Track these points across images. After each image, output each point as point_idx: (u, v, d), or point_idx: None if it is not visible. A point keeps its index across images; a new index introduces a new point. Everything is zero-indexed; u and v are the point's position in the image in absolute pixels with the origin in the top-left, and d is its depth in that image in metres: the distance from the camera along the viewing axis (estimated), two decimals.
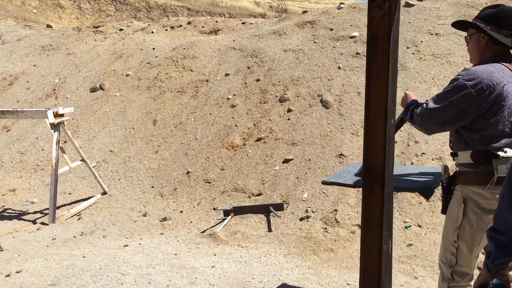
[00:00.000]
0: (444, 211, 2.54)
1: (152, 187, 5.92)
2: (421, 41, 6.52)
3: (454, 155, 2.47)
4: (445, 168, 2.59)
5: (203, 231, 4.87)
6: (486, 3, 6.87)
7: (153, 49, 8.79)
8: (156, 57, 8.50)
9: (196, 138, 6.45)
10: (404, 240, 4.30)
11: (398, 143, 5.27)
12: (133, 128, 7.06)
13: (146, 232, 5.03)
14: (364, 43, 6.71)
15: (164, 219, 5.24)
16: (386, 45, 1.97)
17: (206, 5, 32.64)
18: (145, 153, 6.54)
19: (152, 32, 9.67)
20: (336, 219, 4.67)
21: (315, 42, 7.30)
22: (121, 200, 5.79)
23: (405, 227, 4.45)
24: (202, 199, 5.48)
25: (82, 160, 5.86)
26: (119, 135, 7.01)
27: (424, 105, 2.37)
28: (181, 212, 5.34)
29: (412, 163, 5.02)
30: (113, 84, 8.21)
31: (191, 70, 7.83)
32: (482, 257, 3.55)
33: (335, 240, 4.42)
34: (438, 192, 4.35)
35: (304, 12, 8.57)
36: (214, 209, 5.07)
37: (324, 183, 3.06)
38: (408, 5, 7.31)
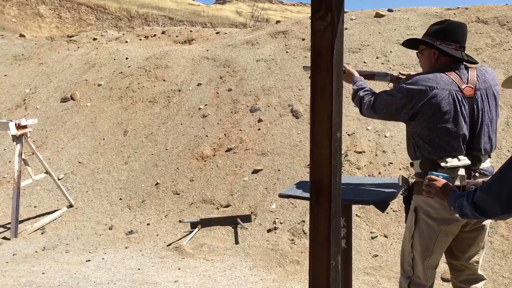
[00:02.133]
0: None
1: (120, 199, 5.81)
2: (391, 51, 6.57)
3: (411, 165, 2.49)
4: (402, 178, 2.59)
5: (169, 244, 4.79)
6: (454, 14, 6.97)
7: (126, 58, 8.70)
8: (129, 66, 8.41)
9: (167, 149, 6.37)
10: (370, 251, 4.28)
11: (366, 153, 5.28)
12: (103, 139, 6.94)
13: (111, 246, 4.92)
14: None
15: (130, 232, 5.14)
16: (330, 58, 1.94)
17: (188, 14, 32.63)
18: (115, 164, 6.43)
19: (126, 42, 9.59)
20: (303, 230, 4.63)
21: (287, 52, 7.31)
22: (87, 213, 5.67)
23: (372, 238, 4.43)
24: (170, 211, 5.40)
25: (47, 172, 5.73)
26: (88, 146, 6.89)
27: (374, 96, 2.48)
28: (148, 224, 5.25)
29: (379, 173, 5.02)
30: (85, 94, 8.09)
31: (164, 80, 7.76)
32: (443, 267, 3.54)
33: (302, 252, 4.38)
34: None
35: (277, 22, 8.59)
36: (180, 221, 5.00)
37: (281, 196, 3.02)
38: (378, 15, 7.37)
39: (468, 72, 2.33)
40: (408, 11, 7.40)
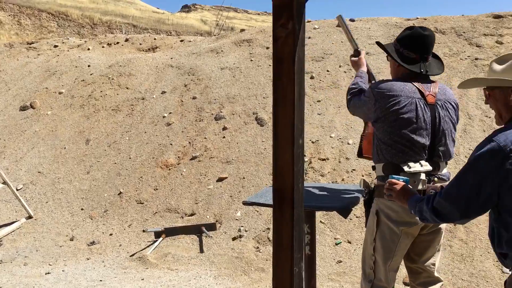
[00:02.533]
0: (367, 225, 2.59)
1: (82, 209, 5.66)
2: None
3: (373, 168, 2.53)
4: (364, 182, 2.63)
5: (132, 255, 4.69)
6: (414, 24, 7.18)
7: (89, 66, 8.54)
8: (91, 74, 8.26)
9: (130, 158, 6.26)
10: (334, 257, 4.32)
11: (330, 160, 5.35)
12: (64, 148, 6.77)
13: (72, 257, 4.78)
14: None
15: (92, 243, 5.01)
16: (291, 65, 1.96)
17: (152, 22, 32.34)
18: (76, 174, 6.27)
19: (88, 49, 9.41)
20: (268, 238, 4.63)
21: (251, 60, 7.34)
22: (47, 224, 5.49)
23: (336, 244, 4.48)
24: (134, 221, 5.30)
25: (4, 182, 5.54)
26: (49, 155, 6.70)
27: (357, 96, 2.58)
28: (110, 235, 5.13)
29: (343, 180, 5.09)
30: (45, 102, 7.88)
31: (127, 88, 7.66)
32: (405, 271, 3.61)
33: (267, 260, 4.38)
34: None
35: (242, 30, 8.63)
36: (144, 231, 4.91)
37: (245, 203, 3.02)
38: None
39: (430, 84, 2.42)
40: (370, 21, 7.59)
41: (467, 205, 1.71)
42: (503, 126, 1.77)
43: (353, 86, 2.64)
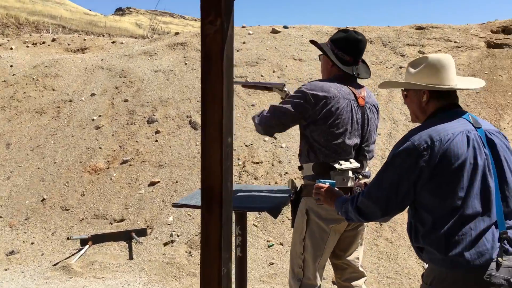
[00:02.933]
0: (293, 224, 2.60)
1: (0, 217, 5.29)
2: (286, 66, 6.81)
3: (300, 168, 2.55)
4: (292, 182, 2.65)
5: (55, 264, 4.44)
6: None
7: (11, 66, 8.06)
8: (13, 75, 7.79)
9: (55, 162, 5.95)
10: (266, 259, 4.34)
11: (263, 164, 5.38)
12: None
13: None
14: (236, 66, 6.82)
15: (11, 252, 4.69)
16: (220, 62, 1.93)
17: (84, 24, 31.12)
18: None
19: (11, 49, 8.89)
20: None
21: (185, 63, 7.26)
22: None
23: (268, 246, 4.50)
24: (58, 228, 5.03)
25: None
26: None
27: (264, 112, 2.51)
28: (32, 244, 4.83)
29: (276, 183, 5.14)
30: None
31: (53, 90, 7.29)
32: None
33: (199, 264, 4.30)
34: None
35: (176, 33, 8.52)
36: (68, 238, 4.67)
37: (174, 205, 2.95)
38: (274, 31, 7.62)
39: (359, 87, 2.50)
40: (302, 28, 7.76)
41: (387, 203, 1.77)
42: (419, 125, 1.85)
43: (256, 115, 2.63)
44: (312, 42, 2.69)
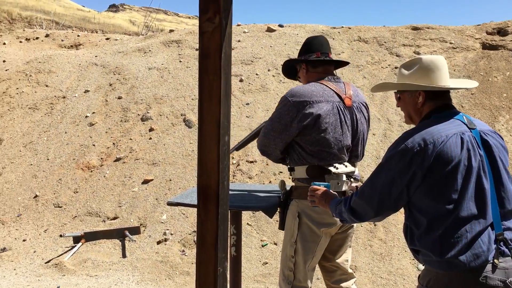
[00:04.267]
0: (281, 226, 2.57)
1: None
2: (281, 65, 6.79)
3: (291, 170, 2.52)
4: (282, 183, 2.62)
5: (48, 261, 4.40)
6: (339, 32, 7.44)
7: (4, 61, 7.98)
8: (6, 70, 7.72)
9: (48, 159, 5.90)
10: (260, 259, 4.32)
11: (258, 163, 5.36)
12: None
13: None
14: (232, 64, 6.79)
15: (3, 249, 4.64)
16: (218, 60, 1.91)
17: (77, 20, 30.92)
18: None
19: (4, 44, 8.80)
20: (194, 241, 4.54)
21: (180, 61, 7.22)
22: None
23: (262, 246, 4.48)
24: (51, 225, 4.98)
25: None
26: None
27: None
28: (24, 241, 4.79)
29: (270, 182, 5.13)
30: None
31: (46, 86, 7.23)
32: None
33: (192, 263, 4.29)
34: None
35: (171, 31, 8.48)
36: (60, 236, 4.63)
37: (169, 204, 2.93)
38: (270, 30, 7.60)
39: (344, 85, 2.46)
40: (298, 27, 7.75)
41: (380, 203, 1.77)
42: (412, 127, 1.84)
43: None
44: (287, 61, 2.64)
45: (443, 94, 1.85)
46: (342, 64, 2.61)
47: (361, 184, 2.46)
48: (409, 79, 1.87)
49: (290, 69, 2.65)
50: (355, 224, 2.56)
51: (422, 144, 1.68)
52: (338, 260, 2.57)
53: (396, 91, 1.94)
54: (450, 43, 6.86)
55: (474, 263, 1.63)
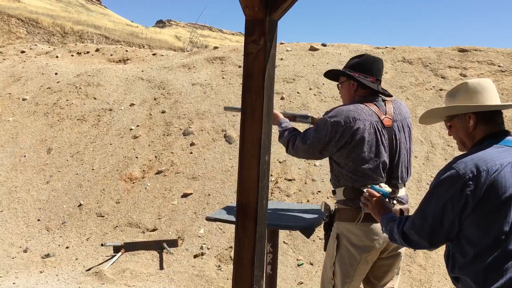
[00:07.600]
0: (325, 248, 2.57)
1: (38, 220, 5.46)
2: (323, 84, 6.80)
3: (334, 192, 2.52)
4: (325, 205, 2.62)
5: (89, 269, 4.53)
6: (383, 53, 7.38)
7: (56, 74, 8.36)
8: (58, 82, 8.08)
9: (93, 169, 6.11)
10: (296, 278, 4.30)
11: (296, 181, 5.36)
12: (24, 156, 6.55)
13: (24, 269, 4.58)
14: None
15: (47, 255, 4.82)
16: (261, 81, 1.96)
17: (125, 35, 32.04)
18: (35, 183, 6.06)
19: (57, 57, 9.23)
20: (231, 256, 4.57)
21: (223, 77, 7.35)
22: (0, 234, 5.26)
23: (298, 265, 4.46)
24: (93, 234, 5.14)
25: None
26: (7, 163, 6.46)
27: (300, 136, 2.49)
28: (67, 248, 4.96)
29: (308, 201, 5.11)
30: (7, 108, 7.64)
31: (95, 98, 7.52)
32: None
33: (228, 278, 4.31)
34: None
35: (215, 48, 8.66)
36: (102, 245, 4.76)
37: (208, 219, 2.98)
38: (312, 49, 7.64)
39: (385, 104, 2.45)
40: (341, 46, 7.75)
41: (432, 234, 1.69)
42: (464, 152, 1.79)
43: (286, 130, 2.63)
44: (329, 72, 2.67)
45: (495, 118, 1.77)
46: (385, 95, 2.57)
47: (407, 207, 2.42)
48: (455, 102, 1.82)
49: (335, 73, 2.66)
50: (402, 252, 2.50)
51: (474, 171, 1.61)
52: (382, 286, 2.52)
53: (445, 118, 1.87)
54: (499, 66, 6.67)
55: None
